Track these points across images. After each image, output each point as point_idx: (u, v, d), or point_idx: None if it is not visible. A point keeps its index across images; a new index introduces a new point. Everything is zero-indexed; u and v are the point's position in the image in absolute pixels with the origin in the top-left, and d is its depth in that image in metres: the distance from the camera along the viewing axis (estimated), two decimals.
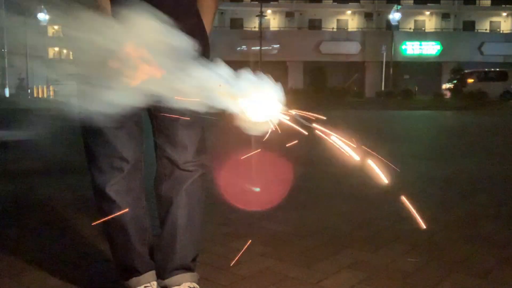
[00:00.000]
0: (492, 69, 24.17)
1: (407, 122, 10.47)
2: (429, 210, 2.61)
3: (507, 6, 37.08)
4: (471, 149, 5.72)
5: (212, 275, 1.70)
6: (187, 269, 1.45)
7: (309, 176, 3.65)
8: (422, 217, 2.40)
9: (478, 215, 2.54)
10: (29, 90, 24.49)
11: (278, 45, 31.81)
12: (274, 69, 32.15)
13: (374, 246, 2.01)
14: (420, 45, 32.48)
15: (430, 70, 30.86)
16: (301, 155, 4.80)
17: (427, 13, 37.36)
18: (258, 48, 27.80)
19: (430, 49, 32.63)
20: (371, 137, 7.33)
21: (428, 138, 7.44)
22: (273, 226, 2.31)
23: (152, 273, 1.44)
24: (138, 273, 1.42)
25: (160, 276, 1.44)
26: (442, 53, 32.43)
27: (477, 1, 38.19)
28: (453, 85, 21.95)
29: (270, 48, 31.51)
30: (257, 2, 31.45)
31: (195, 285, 1.44)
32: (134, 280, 1.42)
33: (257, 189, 2.68)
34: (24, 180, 3.46)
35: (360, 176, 3.66)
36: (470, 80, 22.34)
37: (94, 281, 1.64)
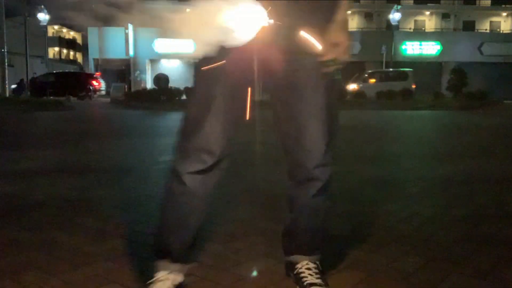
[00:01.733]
0: (392, 69, 25.07)
1: (407, 122, 10.47)
2: (429, 210, 2.61)
3: (507, 6, 37.12)
4: (471, 149, 5.72)
5: (212, 275, 1.70)
6: (307, 254, 1.59)
7: None
8: (422, 218, 2.41)
9: (478, 215, 2.53)
10: (29, 92, 24.37)
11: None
12: None
13: (374, 246, 2.01)
14: (420, 45, 32.44)
15: (430, 70, 30.79)
16: None
17: (427, 13, 37.39)
18: None
19: (430, 49, 32.59)
20: (371, 137, 7.33)
21: (428, 138, 7.44)
22: (273, 226, 2.30)
23: (181, 266, 1.47)
24: (170, 259, 1.45)
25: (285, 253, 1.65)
26: (442, 53, 32.40)
27: (477, 1, 38.22)
28: (357, 85, 22.22)
29: None
30: None
31: (312, 264, 1.59)
32: (162, 262, 1.46)
33: None
34: (24, 180, 3.46)
35: (360, 176, 3.69)
36: (372, 80, 22.81)
37: (94, 281, 1.64)
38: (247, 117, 1.41)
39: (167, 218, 1.46)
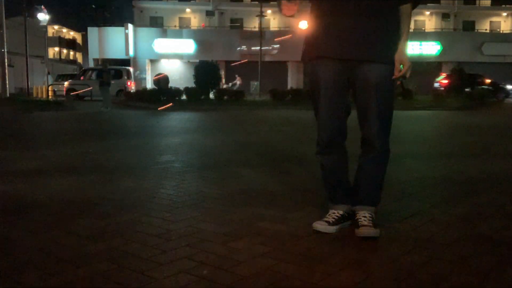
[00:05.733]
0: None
1: (407, 122, 10.47)
2: (429, 210, 2.61)
3: (507, 6, 37.10)
4: (471, 149, 5.71)
5: (212, 275, 1.70)
6: (366, 204, 2.20)
7: (308, 176, 3.65)
8: (422, 218, 2.40)
9: (478, 215, 2.54)
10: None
11: (278, 45, 31.78)
12: (274, 69, 32.07)
13: (374, 246, 2.01)
14: (420, 45, 32.43)
15: (430, 70, 30.79)
16: (300, 156, 4.80)
17: (427, 13, 37.37)
18: (258, 48, 27.74)
19: (430, 49, 32.59)
20: None
21: (428, 138, 7.44)
22: (273, 226, 2.30)
23: (341, 206, 2.24)
24: (332, 203, 2.27)
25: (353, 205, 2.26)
26: (442, 53, 32.41)
27: (477, 1, 38.20)
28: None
29: (270, 48, 31.48)
30: (257, 2, 31.41)
31: (369, 214, 2.17)
32: (330, 205, 2.28)
33: None
34: (24, 180, 3.46)
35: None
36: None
37: (94, 281, 1.64)
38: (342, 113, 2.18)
39: (324, 180, 2.30)
